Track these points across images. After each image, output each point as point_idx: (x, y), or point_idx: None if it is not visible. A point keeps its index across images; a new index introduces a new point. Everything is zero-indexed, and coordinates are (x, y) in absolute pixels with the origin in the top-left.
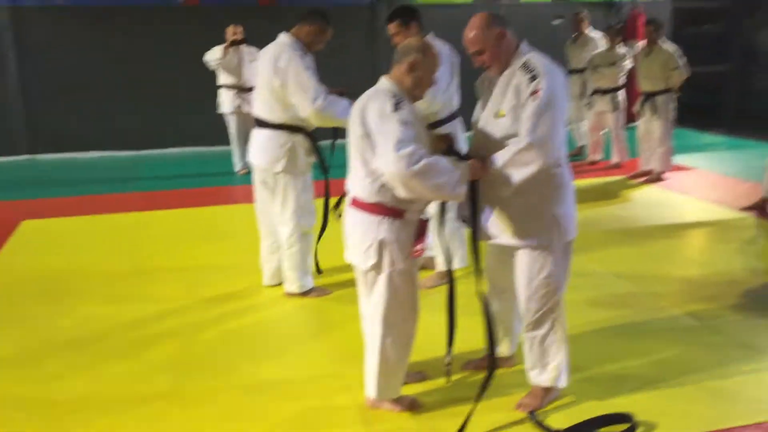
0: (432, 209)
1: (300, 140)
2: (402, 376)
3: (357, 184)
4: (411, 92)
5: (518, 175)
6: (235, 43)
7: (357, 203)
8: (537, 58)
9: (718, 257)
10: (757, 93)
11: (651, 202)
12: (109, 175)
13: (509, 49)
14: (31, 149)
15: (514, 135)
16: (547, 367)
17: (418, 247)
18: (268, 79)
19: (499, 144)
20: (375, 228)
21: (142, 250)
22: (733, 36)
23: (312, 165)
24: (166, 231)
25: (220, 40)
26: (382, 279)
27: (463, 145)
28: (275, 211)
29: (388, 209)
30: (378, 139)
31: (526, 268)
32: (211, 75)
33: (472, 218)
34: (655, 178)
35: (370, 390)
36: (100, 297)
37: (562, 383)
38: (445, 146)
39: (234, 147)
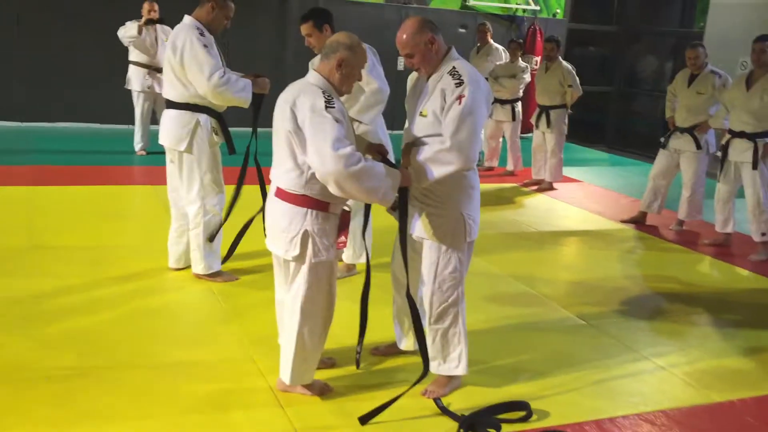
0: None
1: (204, 120)
2: (316, 362)
3: (283, 175)
4: (339, 88)
5: (437, 171)
6: (150, 22)
7: (282, 194)
8: (465, 66)
9: (601, 264)
10: (636, 114)
11: (542, 209)
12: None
13: (438, 54)
14: None
15: (434, 134)
16: (447, 357)
17: (342, 238)
18: (169, 59)
19: (418, 141)
20: (300, 219)
21: (39, 226)
22: (619, 60)
23: (219, 145)
24: (63, 208)
25: (125, 15)
26: (304, 269)
27: (386, 140)
28: (183, 191)
29: (314, 201)
30: (311, 135)
31: (434, 264)
32: (113, 50)
33: (401, 221)
34: (546, 187)
35: (285, 375)
36: None
37: (462, 371)
38: (380, 157)
39: (137, 126)
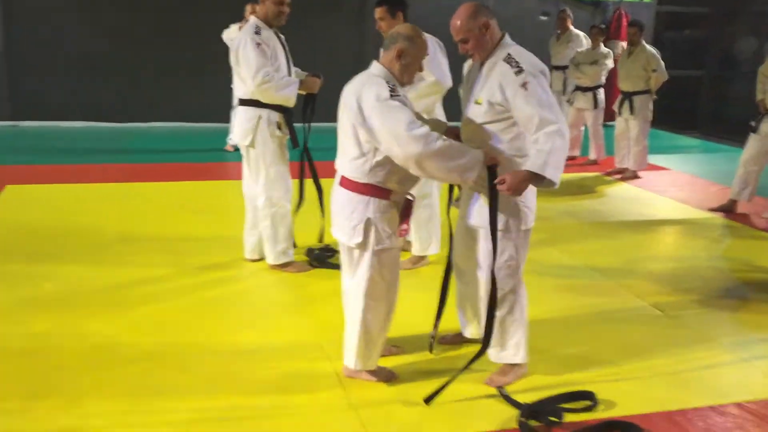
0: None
1: (267, 114)
2: (381, 348)
3: (347, 164)
4: (400, 79)
5: (560, 161)
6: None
7: (346, 183)
8: (521, 52)
9: (685, 254)
10: (732, 99)
11: (625, 198)
12: (93, 145)
13: (493, 40)
14: (15, 116)
15: (489, 122)
16: (506, 345)
17: (404, 226)
18: (233, 57)
19: (477, 128)
20: (363, 207)
21: (127, 220)
22: (713, 42)
23: (285, 139)
24: (152, 203)
25: (217, 15)
26: (367, 256)
27: None
28: (252, 184)
29: (377, 189)
30: (381, 124)
31: (490, 252)
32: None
33: (491, 205)
34: (630, 176)
35: (349, 360)
36: (84, 260)
37: (521, 359)
38: (453, 136)
39: (232, 123)
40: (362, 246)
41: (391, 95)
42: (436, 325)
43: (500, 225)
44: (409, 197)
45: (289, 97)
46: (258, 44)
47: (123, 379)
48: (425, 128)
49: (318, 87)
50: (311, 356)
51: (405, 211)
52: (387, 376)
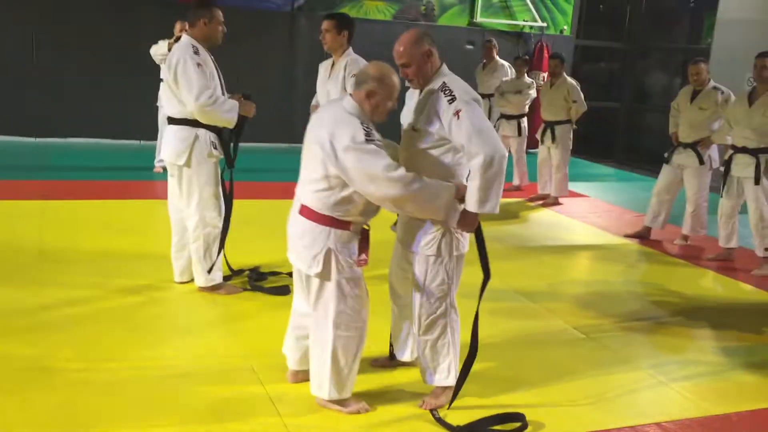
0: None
1: (203, 134)
2: (354, 376)
3: (310, 194)
4: (371, 117)
5: (495, 187)
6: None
7: (306, 212)
8: (454, 80)
9: (604, 278)
10: (646, 130)
11: (547, 224)
12: (10, 161)
13: (433, 68)
14: None
15: (427, 148)
16: (438, 368)
17: (363, 256)
18: (165, 76)
19: (415, 153)
20: (324, 237)
21: (48, 239)
22: (627, 76)
23: (218, 159)
24: (74, 222)
25: (140, 30)
26: (331, 287)
27: None
28: (182, 205)
29: (337, 221)
30: (357, 166)
31: (422, 275)
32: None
33: (478, 242)
34: (551, 202)
35: (322, 391)
36: (2, 280)
37: (452, 381)
38: None
39: (159, 143)
40: (323, 276)
41: (366, 139)
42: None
43: (432, 250)
44: (366, 227)
45: (231, 120)
46: (198, 64)
47: (46, 407)
48: (402, 170)
49: (253, 112)
50: (244, 380)
51: (363, 241)
52: (359, 408)
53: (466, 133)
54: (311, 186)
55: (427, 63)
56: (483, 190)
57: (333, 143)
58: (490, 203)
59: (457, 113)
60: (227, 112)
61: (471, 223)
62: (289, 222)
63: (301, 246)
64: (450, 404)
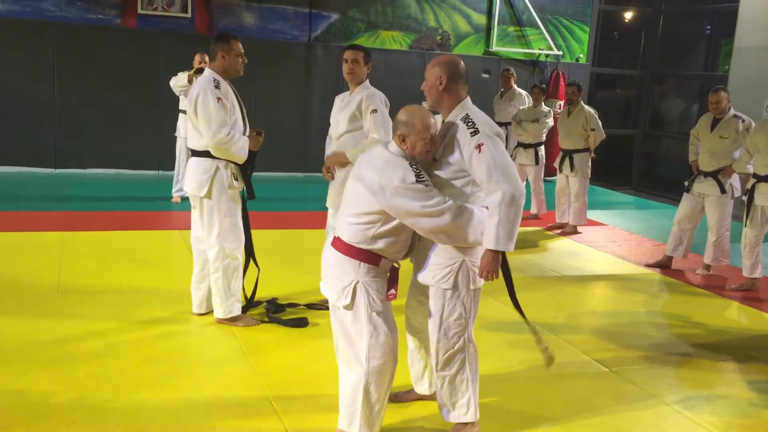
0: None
1: (224, 166)
2: (383, 415)
3: (347, 227)
4: (411, 157)
5: (513, 223)
6: (200, 71)
7: (339, 245)
8: (477, 113)
9: (625, 309)
10: (663, 157)
11: (566, 253)
12: (28, 192)
13: (448, 96)
14: None
15: (443, 176)
16: (456, 404)
17: (392, 291)
18: (188, 110)
19: (437, 183)
20: (353, 270)
21: (68, 271)
22: (643, 103)
23: (239, 191)
24: (93, 253)
25: (153, 64)
26: (361, 320)
27: None
28: (203, 236)
29: (369, 255)
30: (406, 204)
31: (439, 311)
32: (146, 98)
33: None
34: (570, 230)
35: (353, 427)
36: (20, 313)
37: (471, 417)
38: None
39: (177, 173)
40: (350, 308)
41: (417, 180)
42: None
43: (449, 284)
44: (396, 265)
45: (243, 157)
46: (219, 99)
47: None
48: (449, 201)
49: (260, 145)
50: (260, 413)
51: (393, 277)
52: None
53: (487, 167)
54: (351, 219)
55: (436, 88)
56: (502, 227)
57: (382, 184)
58: (503, 240)
59: (479, 146)
60: (240, 149)
61: (493, 266)
62: (323, 254)
63: (332, 277)
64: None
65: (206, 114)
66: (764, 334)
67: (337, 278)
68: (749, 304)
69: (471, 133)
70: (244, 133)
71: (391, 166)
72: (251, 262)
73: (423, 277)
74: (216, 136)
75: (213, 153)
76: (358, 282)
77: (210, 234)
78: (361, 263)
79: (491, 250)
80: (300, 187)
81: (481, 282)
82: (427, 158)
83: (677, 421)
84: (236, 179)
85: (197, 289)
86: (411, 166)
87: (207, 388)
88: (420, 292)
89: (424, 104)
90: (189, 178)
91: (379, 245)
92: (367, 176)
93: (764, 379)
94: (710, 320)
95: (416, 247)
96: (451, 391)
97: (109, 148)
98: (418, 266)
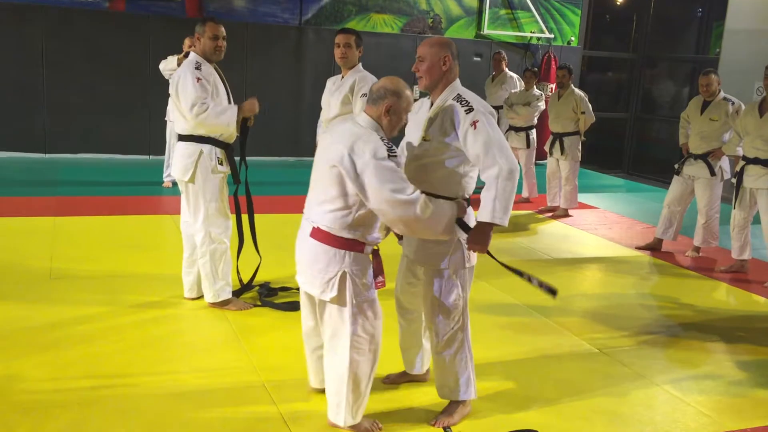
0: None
1: (208, 150)
2: (365, 401)
3: (324, 215)
4: (388, 133)
5: (508, 200)
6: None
7: (319, 235)
8: (468, 93)
9: (616, 291)
10: (654, 140)
11: (557, 236)
12: (19, 177)
13: (446, 78)
14: None
15: (435, 157)
16: (456, 382)
17: (380, 278)
18: (173, 90)
19: (422, 165)
20: (338, 261)
21: (60, 256)
22: (634, 86)
23: (225, 175)
24: (85, 238)
25: (143, 48)
26: (347, 311)
27: None
28: (190, 220)
29: (353, 243)
30: (377, 182)
31: (437, 291)
32: (140, 82)
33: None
34: (561, 213)
35: (338, 418)
36: (12, 298)
37: (471, 395)
38: None
39: (168, 157)
40: (338, 300)
41: (389, 155)
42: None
43: (445, 263)
44: (376, 247)
45: (229, 122)
46: (198, 79)
47: (56, 426)
48: (417, 192)
49: (258, 107)
50: (254, 398)
51: (377, 263)
52: (372, 427)
53: (483, 143)
54: (326, 206)
55: (440, 68)
56: (499, 201)
57: (352, 158)
58: (499, 213)
59: (474, 123)
60: (220, 114)
61: (484, 240)
62: (297, 245)
63: (314, 271)
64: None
65: (184, 93)
66: (752, 314)
67: (320, 271)
68: (738, 285)
69: (466, 110)
70: None
71: (362, 140)
72: (244, 245)
73: (418, 258)
74: (192, 110)
75: (199, 130)
76: (344, 273)
77: (196, 218)
78: (346, 252)
79: (485, 223)
80: (291, 172)
81: (474, 259)
82: (394, 134)
83: (667, 401)
84: (221, 164)
85: (187, 274)
86: (383, 140)
87: (200, 372)
88: (411, 273)
89: (416, 88)
90: (175, 162)
91: (362, 230)
92: (335, 152)
93: (752, 359)
94: (699, 302)
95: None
96: (450, 370)
97: (99, 132)
98: (410, 248)
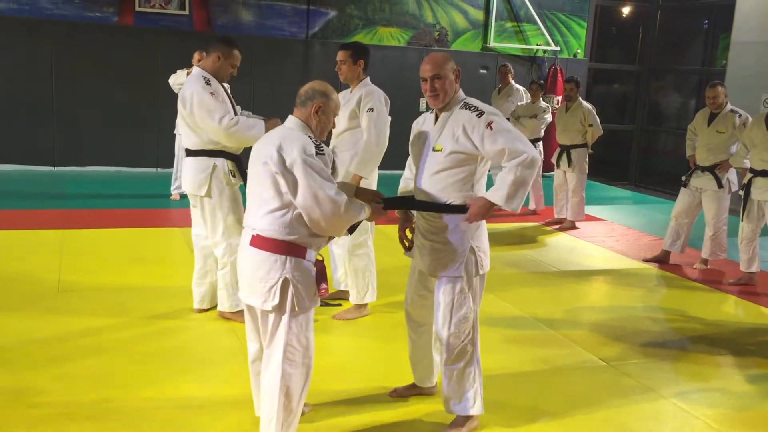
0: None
1: (221, 163)
2: (298, 416)
3: (262, 218)
4: (317, 134)
5: (525, 186)
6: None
7: (259, 241)
8: (473, 99)
9: (623, 304)
10: (660, 152)
11: (564, 248)
12: (27, 189)
13: (456, 90)
14: None
15: (448, 166)
16: (463, 396)
17: (323, 286)
18: (180, 111)
19: (434, 178)
20: (280, 267)
21: (68, 269)
22: (641, 98)
23: (238, 186)
24: (94, 251)
25: (151, 62)
26: (284, 320)
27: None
28: (207, 234)
29: (294, 247)
30: (303, 179)
31: (448, 305)
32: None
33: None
34: (568, 226)
35: None
36: (19, 310)
37: (477, 410)
38: (378, 200)
39: (176, 170)
40: (279, 308)
41: (317, 152)
42: None
43: (459, 272)
44: (320, 257)
45: (258, 136)
46: (211, 93)
47: None
48: (342, 193)
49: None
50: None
51: (320, 271)
52: None
53: (505, 139)
54: (263, 208)
55: (453, 82)
56: (515, 186)
57: (282, 155)
58: (516, 200)
59: (489, 125)
60: (252, 128)
61: (484, 212)
62: (238, 258)
63: (255, 280)
64: None
65: (205, 108)
66: (761, 327)
67: (261, 279)
68: (746, 298)
69: (477, 115)
70: None
71: (290, 138)
72: None
73: (432, 269)
74: (222, 123)
75: (226, 143)
76: (285, 279)
77: (215, 232)
78: (287, 258)
79: (491, 202)
80: None
81: (487, 266)
82: (323, 137)
83: (675, 415)
84: (233, 175)
85: (199, 285)
86: (311, 139)
87: (208, 384)
88: (422, 286)
89: (422, 100)
90: (186, 177)
91: (300, 231)
92: (265, 151)
93: (761, 372)
94: (708, 314)
95: (418, 239)
96: (459, 383)
97: (108, 145)
98: (423, 260)
